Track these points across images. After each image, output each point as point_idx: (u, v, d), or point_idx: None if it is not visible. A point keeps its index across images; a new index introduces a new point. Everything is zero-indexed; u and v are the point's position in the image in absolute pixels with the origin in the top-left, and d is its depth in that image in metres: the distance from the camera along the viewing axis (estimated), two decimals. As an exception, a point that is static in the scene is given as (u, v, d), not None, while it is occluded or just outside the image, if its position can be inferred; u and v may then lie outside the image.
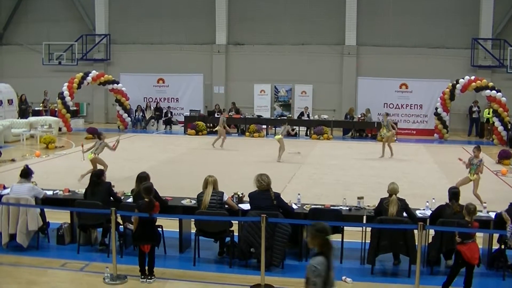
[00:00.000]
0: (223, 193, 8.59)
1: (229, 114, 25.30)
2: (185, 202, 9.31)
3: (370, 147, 21.94)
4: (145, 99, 28.48)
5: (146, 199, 7.86)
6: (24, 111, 26.28)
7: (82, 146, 14.94)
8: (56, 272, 8.14)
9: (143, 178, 8.72)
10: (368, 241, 8.38)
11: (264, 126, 25.19)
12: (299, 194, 9.81)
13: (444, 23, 26.75)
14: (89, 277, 7.94)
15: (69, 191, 9.86)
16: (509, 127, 22.82)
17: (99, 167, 12.94)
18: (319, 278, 4.67)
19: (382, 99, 26.58)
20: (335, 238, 8.69)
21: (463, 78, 23.74)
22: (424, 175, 16.08)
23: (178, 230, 9.02)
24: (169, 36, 29.12)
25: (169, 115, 27.20)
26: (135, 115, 27.32)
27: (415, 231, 7.63)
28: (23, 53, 30.41)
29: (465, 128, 26.45)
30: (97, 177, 9.04)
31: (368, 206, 9.22)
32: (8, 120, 22.62)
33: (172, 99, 28.74)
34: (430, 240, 8.38)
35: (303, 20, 27.94)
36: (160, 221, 8.38)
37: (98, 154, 13.82)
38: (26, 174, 9.16)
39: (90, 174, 9.30)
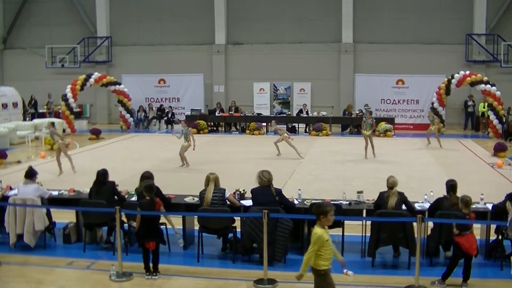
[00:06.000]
0: (224, 190, 8.70)
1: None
2: (188, 199, 9.41)
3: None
4: (147, 99, 28.64)
5: (147, 198, 8.01)
6: (26, 113, 26.54)
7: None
8: (63, 271, 8.26)
9: (146, 177, 8.84)
10: (368, 234, 8.48)
11: (264, 124, 25.31)
12: (299, 189, 9.91)
13: (439, 20, 26.91)
14: (96, 275, 8.04)
15: (74, 191, 9.97)
16: (504, 120, 22.96)
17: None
18: None
19: (379, 95, 26.74)
20: (335, 232, 8.99)
21: (458, 73, 23.88)
22: (422, 169, 16.17)
23: (181, 227, 9.10)
24: (169, 37, 29.24)
25: (170, 115, 27.30)
26: (137, 115, 27.47)
27: (414, 224, 7.72)
28: (27, 57, 30.55)
29: (461, 122, 26.62)
30: (102, 177, 9.15)
31: (368, 200, 9.31)
32: (13, 122, 22.86)
33: (173, 99, 28.87)
34: (429, 232, 8.48)
35: (300, 19, 28.08)
36: (164, 218, 8.50)
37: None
38: (31, 174, 9.26)
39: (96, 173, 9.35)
